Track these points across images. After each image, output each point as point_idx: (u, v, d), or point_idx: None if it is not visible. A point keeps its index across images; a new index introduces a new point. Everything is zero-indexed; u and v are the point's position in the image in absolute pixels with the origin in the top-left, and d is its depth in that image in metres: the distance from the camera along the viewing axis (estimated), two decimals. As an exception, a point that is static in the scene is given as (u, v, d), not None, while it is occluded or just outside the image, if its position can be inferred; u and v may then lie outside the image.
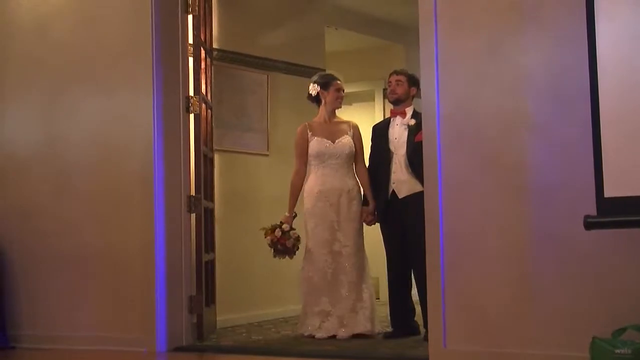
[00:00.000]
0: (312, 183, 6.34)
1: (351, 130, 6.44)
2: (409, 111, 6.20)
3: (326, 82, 6.48)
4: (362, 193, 6.38)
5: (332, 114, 6.50)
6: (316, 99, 6.52)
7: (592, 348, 4.08)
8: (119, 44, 5.97)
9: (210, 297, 6.39)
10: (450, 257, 4.87)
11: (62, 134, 6.11)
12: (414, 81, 6.28)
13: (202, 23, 6.37)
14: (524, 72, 4.70)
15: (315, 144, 6.36)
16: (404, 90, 6.25)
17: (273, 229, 6.29)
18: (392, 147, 6.16)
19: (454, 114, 4.90)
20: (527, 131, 4.68)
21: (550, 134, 4.60)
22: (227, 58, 7.36)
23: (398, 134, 6.16)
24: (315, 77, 6.60)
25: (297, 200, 6.41)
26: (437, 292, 4.90)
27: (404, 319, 6.21)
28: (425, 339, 5.76)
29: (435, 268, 4.92)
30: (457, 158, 4.88)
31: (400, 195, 6.07)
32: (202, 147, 6.21)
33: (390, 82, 6.34)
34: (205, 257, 6.20)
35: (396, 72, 6.36)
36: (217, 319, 6.71)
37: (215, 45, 7.07)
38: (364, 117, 9.26)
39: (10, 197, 6.24)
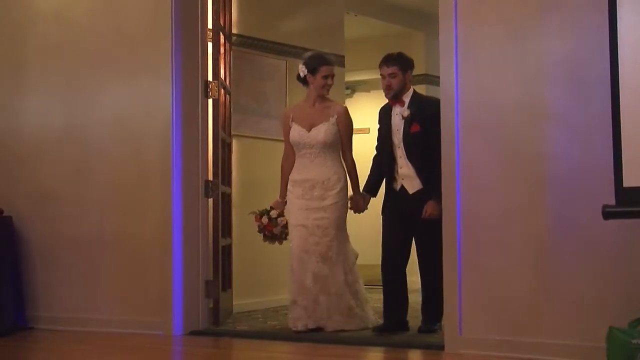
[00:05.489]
0: (293, 170, 6.03)
1: (335, 115, 5.94)
2: (407, 98, 5.82)
3: (314, 67, 5.95)
4: (346, 182, 5.98)
5: (320, 99, 6.02)
6: (304, 81, 6.05)
7: (608, 338, 4.08)
8: (138, 29, 5.97)
9: (226, 282, 6.41)
10: (467, 246, 4.87)
11: (81, 118, 6.14)
12: (407, 65, 5.85)
13: (222, 8, 6.37)
14: (544, 61, 4.68)
15: (293, 132, 5.97)
16: (399, 82, 5.78)
17: (261, 215, 6.08)
18: (395, 139, 5.80)
19: (473, 102, 4.89)
20: (546, 120, 4.66)
21: (569, 123, 4.58)
22: (246, 43, 7.36)
23: (398, 125, 5.80)
24: (305, 57, 6.07)
25: (287, 184, 6.09)
26: (454, 280, 4.90)
27: (400, 312, 5.82)
28: (421, 331, 5.70)
29: (452, 256, 4.91)
30: (476, 146, 4.87)
31: (411, 191, 5.73)
32: (220, 132, 6.21)
33: (382, 75, 5.81)
34: (222, 242, 6.22)
35: (386, 64, 5.81)
36: (234, 303, 6.74)
37: (234, 31, 7.07)
38: (382, 105, 9.22)
39: (29, 181, 6.27)
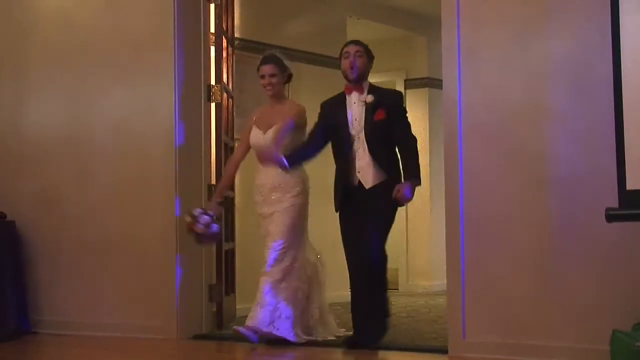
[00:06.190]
0: (256, 175, 5.75)
1: (291, 115, 5.61)
2: (366, 86, 5.44)
3: (257, 69, 5.76)
4: (305, 186, 5.63)
5: (276, 99, 5.75)
6: None
7: (612, 341, 4.07)
8: (141, 32, 5.98)
9: (229, 286, 6.41)
10: (470, 249, 4.86)
11: (84, 121, 6.14)
12: (371, 54, 5.52)
13: (224, 12, 6.37)
14: (546, 62, 4.68)
15: (252, 134, 5.72)
16: (364, 63, 5.43)
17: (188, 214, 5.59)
18: (352, 131, 5.36)
19: (476, 103, 4.89)
20: (549, 121, 4.66)
21: (572, 125, 4.58)
22: (249, 47, 7.36)
23: (358, 114, 5.36)
24: None
25: (225, 186, 5.92)
26: (457, 283, 4.89)
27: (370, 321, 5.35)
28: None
29: (455, 259, 4.91)
30: (478, 148, 4.87)
31: (367, 186, 5.32)
32: (223, 136, 6.21)
33: (347, 52, 5.46)
34: (226, 246, 6.22)
35: (354, 42, 5.53)
36: (237, 307, 6.72)
37: (237, 35, 7.07)
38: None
39: (33, 183, 6.27)
